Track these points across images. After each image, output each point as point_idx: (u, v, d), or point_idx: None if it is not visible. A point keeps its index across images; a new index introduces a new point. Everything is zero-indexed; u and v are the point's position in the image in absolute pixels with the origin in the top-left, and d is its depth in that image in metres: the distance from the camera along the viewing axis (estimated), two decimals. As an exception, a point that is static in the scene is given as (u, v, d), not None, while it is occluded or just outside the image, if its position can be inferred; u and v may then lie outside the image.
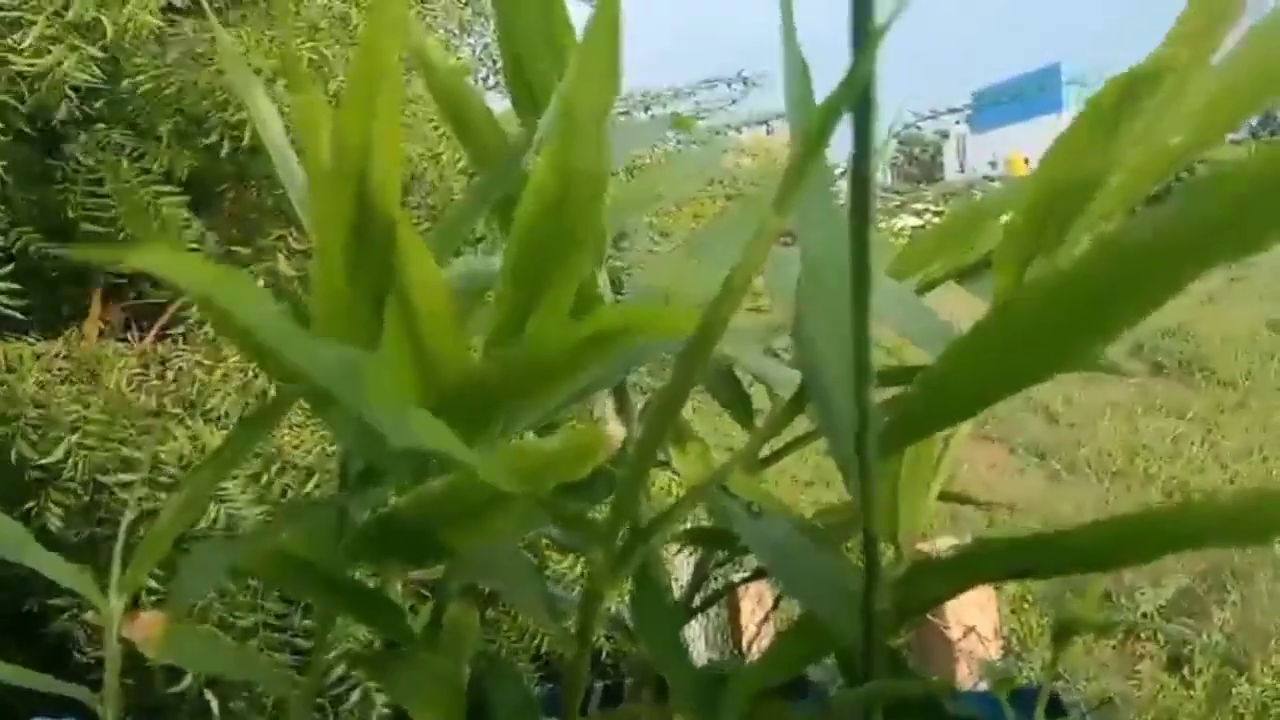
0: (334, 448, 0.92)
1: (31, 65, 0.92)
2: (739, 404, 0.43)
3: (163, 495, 0.85)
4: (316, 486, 0.87)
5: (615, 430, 0.24)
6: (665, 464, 0.41)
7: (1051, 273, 0.26)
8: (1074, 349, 0.25)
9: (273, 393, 0.96)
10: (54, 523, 0.87)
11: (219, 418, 0.94)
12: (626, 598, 0.39)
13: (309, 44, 1.04)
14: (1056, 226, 0.33)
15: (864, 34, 0.24)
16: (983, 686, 0.36)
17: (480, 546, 0.32)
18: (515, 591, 0.32)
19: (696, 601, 0.45)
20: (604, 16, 0.28)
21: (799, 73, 0.33)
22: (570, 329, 0.31)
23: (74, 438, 0.89)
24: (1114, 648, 1.92)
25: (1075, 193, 0.32)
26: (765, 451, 0.43)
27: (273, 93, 1.00)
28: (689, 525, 0.44)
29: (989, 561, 0.28)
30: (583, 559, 0.88)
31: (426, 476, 0.31)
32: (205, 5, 0.87)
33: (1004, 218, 0.40)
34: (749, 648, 0.40)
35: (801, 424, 0.41)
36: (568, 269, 0.32)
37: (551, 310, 0.33)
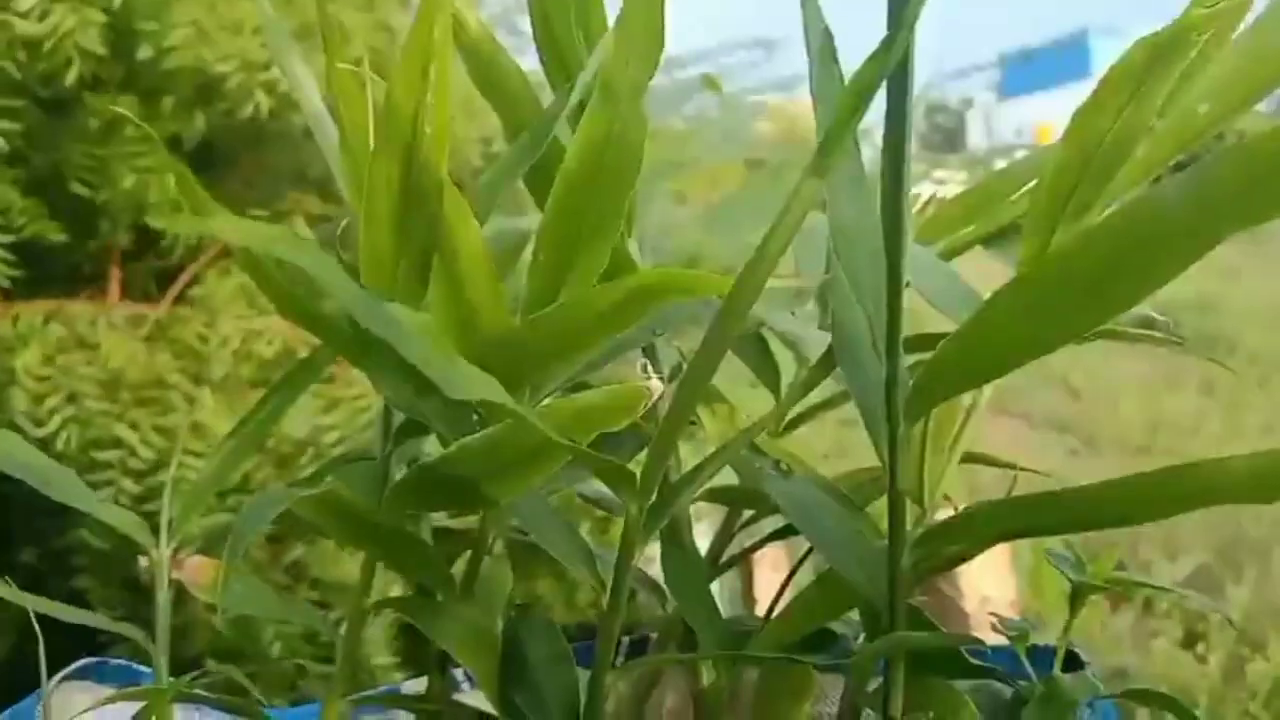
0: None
1: (35, 28, 0.92)
2: (766, 368, 0.44)
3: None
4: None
5: (655, 384, 0.25)
6: (694, 423, 0.42)
7: (1075, 239, 0.27)
8: (1096, 314, 0.26)
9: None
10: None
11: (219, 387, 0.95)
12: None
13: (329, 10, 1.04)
14: (1082, 194, 0.34)
15: (901, 3, 0.25)
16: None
17: (518, 499, 0.33)
18: (553, 541, 0.34)
19: (724, 560, 0.46)
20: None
21: (823, 43, 0.33)
22: (605, 290, 0.32)
23: (70, 409, 0.90)
24: (1130, 624, 1.92)
25: (1101, 160, 0.32)
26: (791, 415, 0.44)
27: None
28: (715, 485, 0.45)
29: (1006, 518, 0.29)
30: (603, 531, 0.90)
31: (466, 430, 0.32)
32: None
33: (1031, 184, 0.40)
34: (767, 614, 0.42)
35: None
36: (603, 234, 0.33)
37: (586, 273, 0.34)
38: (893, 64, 0.24)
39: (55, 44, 0.94)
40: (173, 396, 0.93)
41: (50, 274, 1.03)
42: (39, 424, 0.90)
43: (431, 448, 0.39)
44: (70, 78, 0.95)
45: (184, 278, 1.07)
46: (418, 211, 0.28)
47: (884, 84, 0.26)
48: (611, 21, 0.40)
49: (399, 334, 0.22)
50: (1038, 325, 0.27)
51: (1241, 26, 0.35)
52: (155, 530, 0.39)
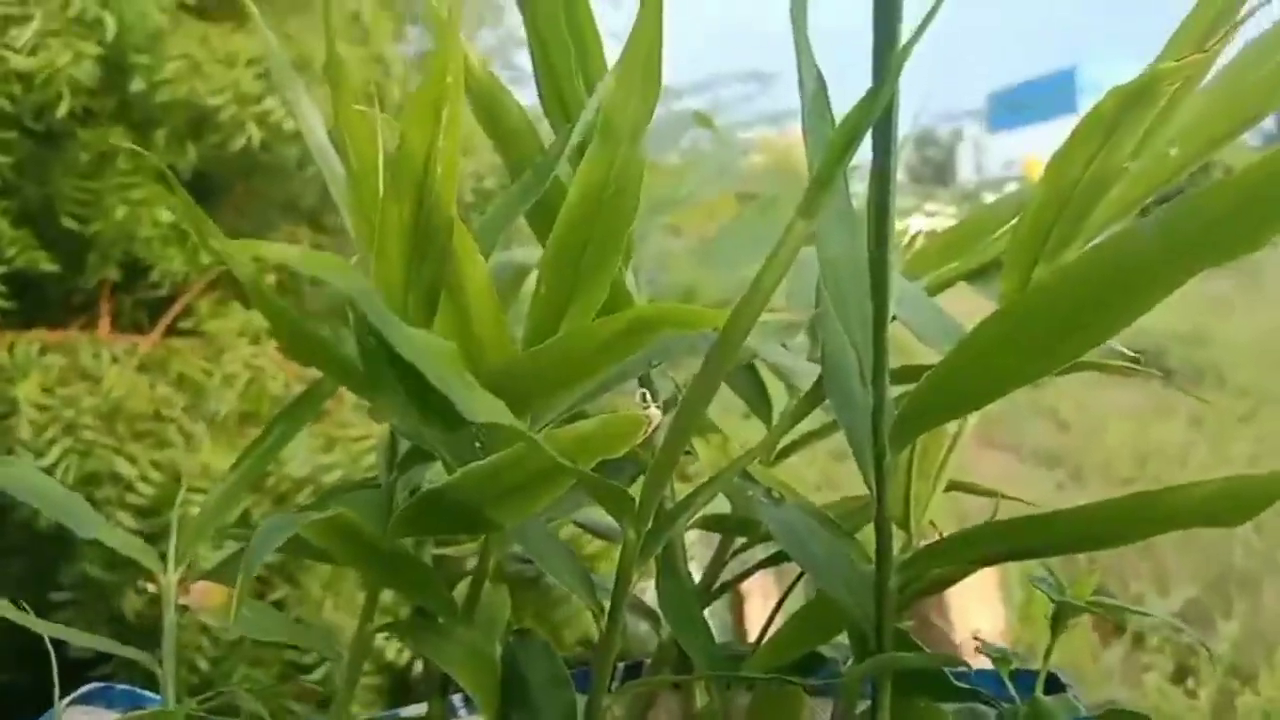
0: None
1: (29, 62, 0.93)
2: (759, 398, 0.46)
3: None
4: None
5: (653, 413, 0.26)
6: (689, 453, 0.44)
7: (1052, 274, 0.28)
8: (1073, 346, 0.27)
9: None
10: (43, 524, 0.87)
11: (219, 421, 0.96)
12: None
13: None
14: (1061, 232, 0.35)
15: (888, 53, 0.27)
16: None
17: (520, 525, 0.34)
18: (554, 566, 0.35)
19: (717, 586, 0.47)
20: (645, 31, 0.30)
21: (816, 86, 0.35)
22: (604, 323, 0.33)
23: (69, 441, 0.90)
24: (1121, 658, 1.93)
25: (1078, 199, 0.34)
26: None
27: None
28: (709, 512, 0.46)
29: (987, 541, 0.30)
30: (591, 570, 0.91)
31: (469, 457, 0.33)
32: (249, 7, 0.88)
33: (1013, 221, 0.42)
34: (758, 639, 0.43)
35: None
36: (602, 269, 0.35)
37: (586, 305, 0.35)
38: (878, 111, 0.25)
39: (48, 77, 0.95)
40: (170, 430, 0.94)
41: (40, 305, 1.03)
42: (39, 455, 0.91)
43: (434, 476, 0.40)
44: (62, 110, 0.95)
45: (175, 309, 1.08)
46: (427, 247, 0.29)
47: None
48: (610, 62, 0.42)
49: (423, 357, 0.24)
50: (1017, 357, 0.28)
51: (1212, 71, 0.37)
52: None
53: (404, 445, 0.36)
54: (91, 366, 0.97)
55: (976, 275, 0.44)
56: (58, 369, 0.96)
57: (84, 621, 0.90)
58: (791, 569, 0.42)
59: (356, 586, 0.94)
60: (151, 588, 0.39)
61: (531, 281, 0.38)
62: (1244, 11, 0.33)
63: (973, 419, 0.38)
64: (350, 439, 0.96)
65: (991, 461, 3.18)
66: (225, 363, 0.99)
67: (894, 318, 0.35)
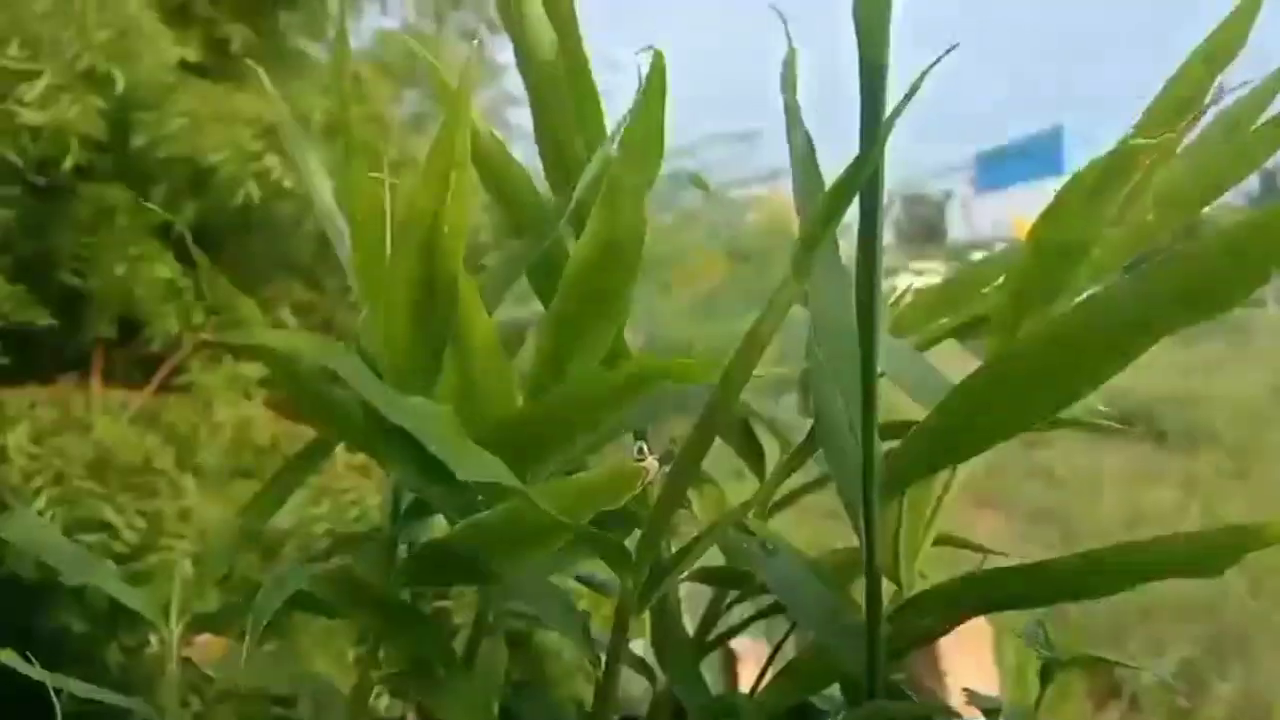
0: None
1: (38, 117, 0.94)
2: (752, 452, 0.47)
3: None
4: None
5: (650, 464, 0.27)
6: (684, 506, 0.44)
7: (1033, 333, 0.29)
8: (1052, 402, 0.28)
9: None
10: (27, 574, 0.87)
11: (208, 474, 0.96)
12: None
13: (323, 102, 1.08)
14: (1045, 291, 0.37)
15: (874, 123, 0.28)
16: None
17: (520, 576, 0.35)
18: (552, 616, 0.35)
19: (711, 639, 0.47)
20: (650, 105, 0.32)
21: (805, 150, 0.36)
22: (604, 377, 0.35)
23: (56, 490, 0.90)
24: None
25: (1060, 262, 0.35)
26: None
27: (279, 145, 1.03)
28: (703, 565, 0.47)
29: (976, 591, 0.31)
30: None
31: (471, 510, 0.34)
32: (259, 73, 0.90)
33: (999, 280, 0.43)
34: (753, 689, 0.43)
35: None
36: (603, 326, 0.36)
37: (587, 360, 0.36)
38: (864, 178, 0.27)
39: (56, 132, 0.96)
40: (159, 482, 0.94)
41: (33, 360, 1.03)
42: (25, 503, 0.90)
43: (435, 529, 0.40)
44: (68, 164, 0.96)
45: (168, 366, 1.08)
46: (434, 307, 0.31)
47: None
48: (608, 123, 0.43)
49: (418, 423, 0.25)
50: (1001, 411, 0.29)
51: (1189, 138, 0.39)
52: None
53: (407, 498, 0.37)
54: (82, 417, 0.97)
55: (965, 332, 0.45)
56: (49, 420, 0.96)
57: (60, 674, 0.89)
58: (784, 625, 0.43)
59: (347, 642, 0.94)
60: (154, 640, 0.40)
61: (532, 336, 0.39)
62: (1211, 93, 0.35)
63: (961, 472, 0.38)
64: (339, 490, 0.96)
65: (986, 520, 3.18)
66: (213, 414, 0.99)
67: (883, 373, 0.36)
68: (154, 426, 1.00)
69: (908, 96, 0.26)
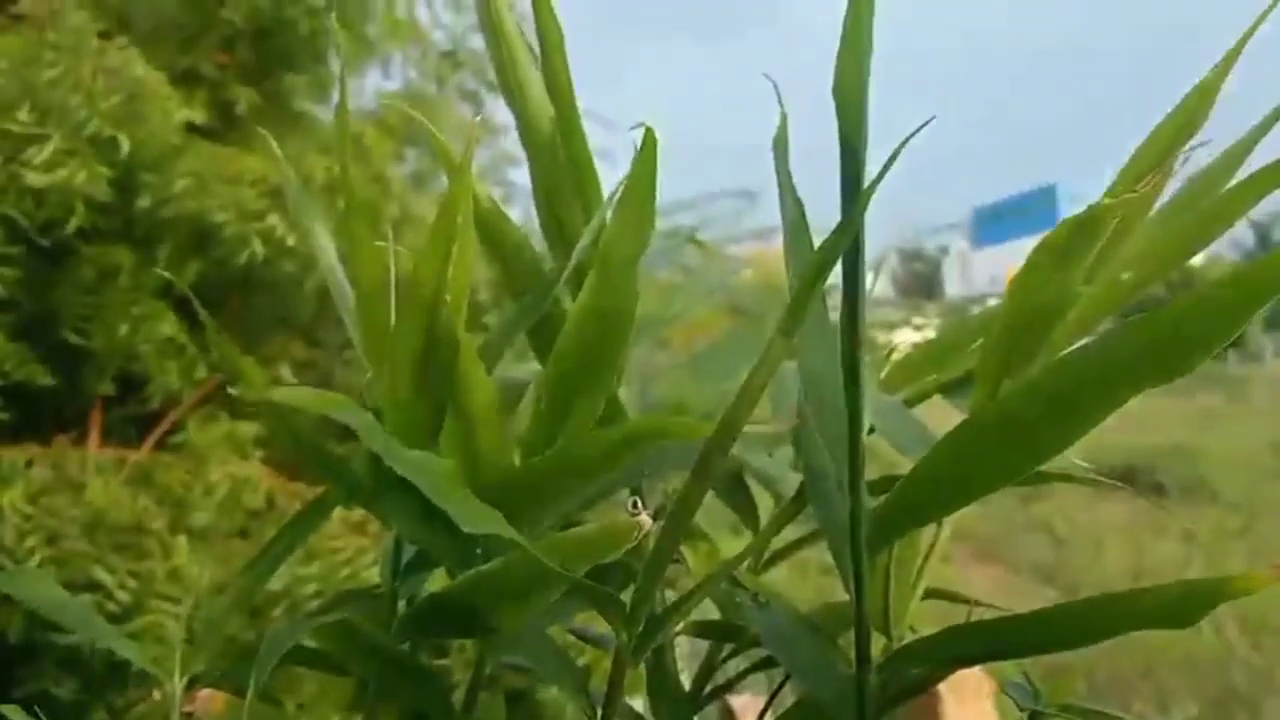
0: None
1: (45, 179, 0.96)
2: (745, 506, 0.48)
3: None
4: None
5: (644, 519, 0.28)
6: (678, 561, 0.45)
7: (1012, 390, 0.30)
8: (1032, 457, 0.30)
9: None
10: (15, 636, 0.87)
11: (201, 534, 0.96)
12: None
13: (325, 162, 1.10)
14: (1025, 349, 0.38)
15: (855, 189, 0.30)
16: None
17: (518, 630, 0.36)
18: (548, 670, 0.36)
19: (707, 692, 0.48)
20: (642, 173, 0.33)
21: (796, 213, 0.38)
22: (599, 436, 0.36)
23: (50, 550, 0.91)
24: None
25: (1038, 320, 0.36)
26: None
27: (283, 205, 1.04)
28: (698, 619, 0.48)
29: (965, 642, 0.32)
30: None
31: (471, 563, 0.35)
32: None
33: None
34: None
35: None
36: (597, 386, 0.37)
37: (582, 419, 0.37)
38: (847, 243, 0.28)
39: (62, 194, 0.98)
40: (151, 542, 0.94)
41: (31, 417, 1.04)
42: (17, 562, 0.91)
43: (432, 584, 0.41)
44: (72, 226, 0.97)
45: (165, 424, 1.09)
46: (436, 367, 0.32)
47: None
48: (604, 186, 0.45)
49: (422, 476, 0.26)
50: (980, 467, 0.30)
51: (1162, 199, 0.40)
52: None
53: (408, 553, 0.38)
54: (77, 477, 0.98)
55: (952, 388, 0.46)
56: (43, 480, 0.97)
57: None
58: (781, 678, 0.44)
59: (332, 707, 0.93)
60: (157, 695, 0.40)
61: (530, 395, 0.40)
62: (1181, 155, 0.37)
63: (947, 527, 0.39)
64: (330, 550, 0.97)
65: (986, 575, 3.17)
66: (207, 473, 1.00)
67: (872, 429, 0.37)
68: (148, 487, 1.00)
69: (885, 168, 0.28)
